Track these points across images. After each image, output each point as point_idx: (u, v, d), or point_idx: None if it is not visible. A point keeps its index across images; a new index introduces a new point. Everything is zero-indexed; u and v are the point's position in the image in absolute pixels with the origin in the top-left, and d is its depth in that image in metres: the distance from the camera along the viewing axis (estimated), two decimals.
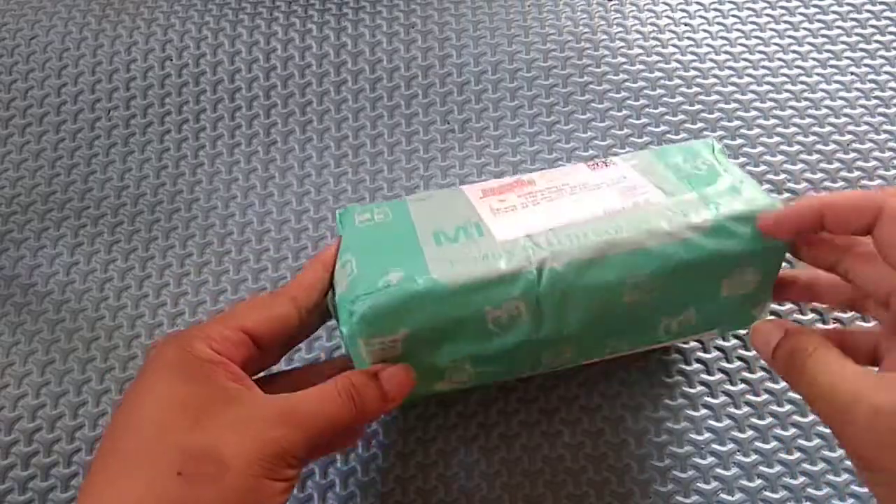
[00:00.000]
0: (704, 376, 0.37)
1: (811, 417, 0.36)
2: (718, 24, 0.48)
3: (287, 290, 0.31)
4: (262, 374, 0.31)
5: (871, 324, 0.38)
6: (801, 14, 0.48)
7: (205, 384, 0.27)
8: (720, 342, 0.38)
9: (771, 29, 0.48)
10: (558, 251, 0.28)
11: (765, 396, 0.36)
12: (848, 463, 0.35)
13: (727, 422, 0.36)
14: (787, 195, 0.42)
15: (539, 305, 0.28)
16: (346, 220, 0.33)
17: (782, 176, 0.43)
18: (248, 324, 0.29)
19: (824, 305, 0.38)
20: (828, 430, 0.35)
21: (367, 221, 0.32)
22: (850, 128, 0.44)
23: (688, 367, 0.37)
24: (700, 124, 0.44)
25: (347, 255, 0.30)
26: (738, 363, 0.37)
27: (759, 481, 0.35)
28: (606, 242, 0.28)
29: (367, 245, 0.31)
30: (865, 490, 0.34)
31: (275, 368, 0.33)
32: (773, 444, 0.35)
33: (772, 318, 0.29)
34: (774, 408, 0.36)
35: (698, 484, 0.35)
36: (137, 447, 0.25)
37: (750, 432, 0.36)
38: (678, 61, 0.46)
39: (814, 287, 0.31)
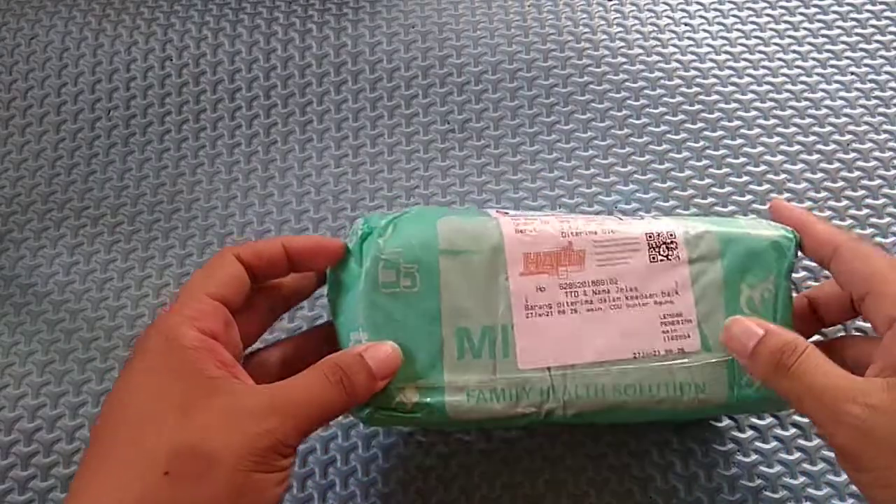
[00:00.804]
0: None
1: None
2: (718, 23, 0.48)
3: (229, 249, 0.29)
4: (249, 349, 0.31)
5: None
6: (801, 14, 0.48)
7: (190, 375, 0.25)
8: None
9: (771, 29, 0.48)
10: (571, 400, 0.29)
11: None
12: None
13: (727, 421, 0.36)
14: (787, 195, 0.42)
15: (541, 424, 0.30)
16: (367, 251, 0.29)
17: (782, 176, 0.43)
18: (211, 289, 0.28)
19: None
20: None
21: (391, 286, 0.29)
22: (851, 128, 0.44)
23: None
24: (700, 124, 0.44)
25: (360, 334, 0.29)
26: None
27: (758, 481, 0.35)
28: (622, 402, 0.29)
29: (385, 329, 0.29)
30: None
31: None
32: (773, 444, 0.35)
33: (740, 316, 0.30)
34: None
35: (698, 483, 0.35)
36: (124, 447, 0.25)
37: (750, 432, 0.36)
38: (678, 61, 0.46)
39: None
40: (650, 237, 0.30)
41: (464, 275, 0.29)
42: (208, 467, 0.24)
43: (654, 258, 0.30)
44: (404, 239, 0.29)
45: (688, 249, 0.30)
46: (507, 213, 0.31)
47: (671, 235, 0.30)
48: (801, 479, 0.35)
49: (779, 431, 0.36)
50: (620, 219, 0.32)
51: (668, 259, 0.30)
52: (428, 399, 0.28)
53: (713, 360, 0.30)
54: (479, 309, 0.29)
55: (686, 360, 0.29)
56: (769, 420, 0.36)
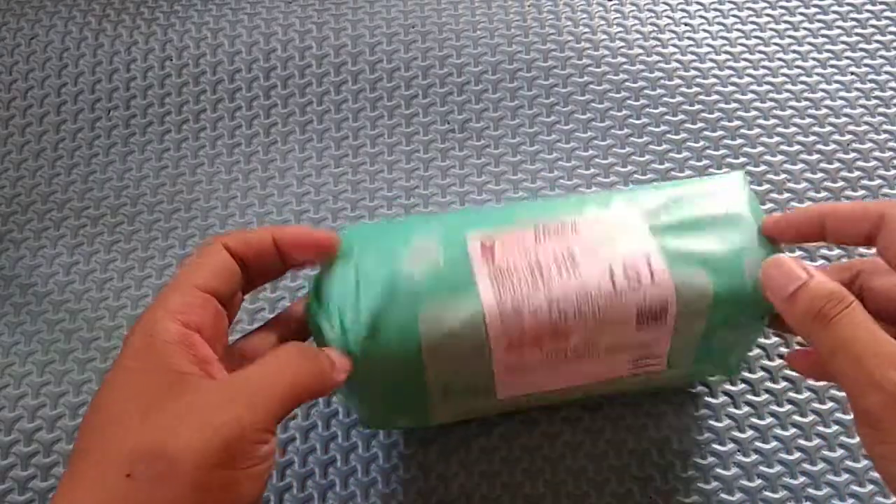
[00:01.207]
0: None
1: (811, 417, 0.36)
2: (718, 23, 0.48)
3: (218, 239, 0.28)
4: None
5: None
6: (801, 14, 0.48)
7: (160, 371, 0.24)
8: None
9: (771, 29, 0.48)
10: (540, 400, 0.33)
11: (765, 396, 0.36)
12: (849, 463, 0.35)
13: (727, 421, 0.36)
14: (787, 195, 0.42)
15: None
16: (338, 339, 0.29)
17: (782, 176, 0.43)
18: (200, 281, 0.27)
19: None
20: (829, 430, 0.35)
21: (373, 367, 0.29)
22: (851, 127, 0.44)
23: None
24: (700, 124, 0.44)
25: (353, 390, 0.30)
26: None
27: (758, 481, 0.35)
28: (585, 395, 0.34)
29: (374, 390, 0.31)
30: (866, 490, 0.34)
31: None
32: (773, 444, 0.35)
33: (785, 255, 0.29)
34: (774, 407, 0.36)
35: (698, 484, 0.35)
36: (91, 446, 0.24)
37: (750, 432, 0.36)
38: (678, 61, 0.46)
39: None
40: (640, 311, 0.29)
41: (448, 361, 0.29)
42: (169, 468, 0.22)
43: (641, 326, 0.29)
44: (383, 334, 0.28)
45: (678, 305, 0.29)
46: (492, 257, 0.29)
47: (664, 304, 0.29)
48: (802, 479, 0.35)
49: (779, 431, 0.36)
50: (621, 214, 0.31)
51: (655, 323, 0.29)
52: (413, 423, 0.35)
53: (675, 372, 0.32)
54: (465, 376, 0.30)
55: (649, 378, 0.32)
56: (769, 420, 0.36)
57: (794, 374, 0.37)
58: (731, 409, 0.36)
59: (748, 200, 0.31)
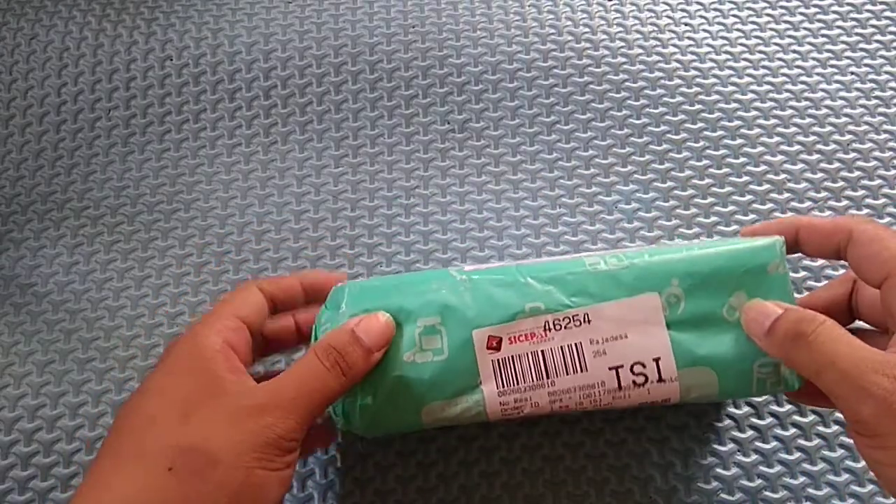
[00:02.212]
0: None
1: (811, 417, 0.36)
2: (719, 23, 0.48)
3: (254, 282, 0.32)
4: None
5: None
6: (801, 14, 0.48)
7: (201, 375, 0.27)
8: None
9: (771, 29, 0.48)
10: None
11: (765, 396, 0.36)
12: (850, 463, 0.35)
13: (727, 422, 0.36)
14: (787, 195, 0.42)
15: None
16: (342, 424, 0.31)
17: (782, 176, 0.42)
18: (238, 311, 0.30)
19: None
20: (829, 430, 0.35)
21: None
22: (851, 127, 0.44)
23: None
24: (700, 124, 0.44)
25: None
26: None
27: (759, 481, 0.35)
28: None
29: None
30: (866, 490, 0.34)
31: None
32: (773, 444, 0.35)
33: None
34: (774, 408, 0.36)
35: (698, 483, 0.35)
36: (130, 443, 0.26)
37: (750, 432, 0.36)
38: (678, 61, 0.46)
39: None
40: (643, 403, 0.29)
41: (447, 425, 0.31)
42: (210, 465, 0.24)
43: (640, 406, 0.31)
44: (383, 426, 0.30)
45: (681, 398, 0.29)
46: (498, 348, 0.29)
47: (666, 398, 0.29)
48: (802, 479, 0.35)
49: (779, 431, 0.36)
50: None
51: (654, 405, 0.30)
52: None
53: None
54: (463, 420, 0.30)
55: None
56: (769, 420, 0.36)
57: None
58: (732, 409, 0.36)
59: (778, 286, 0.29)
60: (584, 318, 0.29)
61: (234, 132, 0.46)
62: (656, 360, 0.28)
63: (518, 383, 0.29)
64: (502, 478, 0.35)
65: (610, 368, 0.28)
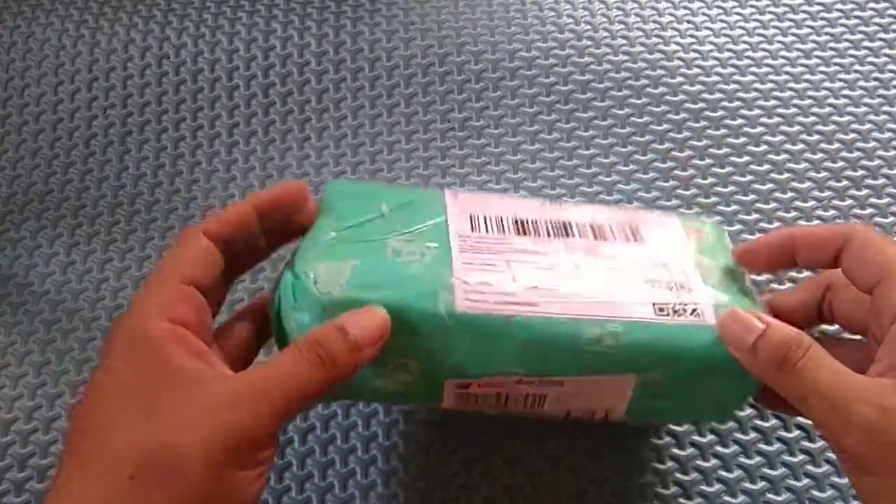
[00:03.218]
0: None
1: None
2: (721, 21, 0.48)
3: (195, 226, 0.28)
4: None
5: None
6: (804, 11, 0.48)
7: (155, 368, 0.24)
8: None
9: (774, 26, 0.47)
10: None
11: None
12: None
13: (730, 424, 0.36)
14: (791, 194, 0.42)
15: None
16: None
17: (786, 175, 0.42)
18: (180, 273, 0.26)
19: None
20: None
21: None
22: (855, 126, 0.43)
23: None
24: (703, 122, 0.44)
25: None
26: None
27: (762, 483, 0.34)
28: None
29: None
30: None
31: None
32: (777, 446, 0.35)
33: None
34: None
35: (701, 486, 0.34)
36: (89, 448, 0.23)
37: (753, 434, 0.35)
38: (681, 59, 0.46)
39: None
40: None
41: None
42: (175, 468, 0.22)
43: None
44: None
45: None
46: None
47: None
48: (805, 481, 0.34)
49: (782, 433, 0.35)
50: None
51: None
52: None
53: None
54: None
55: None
56: (773, 422, 0.36)
57: None
58: (734, 411, 0.36)
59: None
60: (559, 383, 0.28)
61: (232, 130, 0.45)
62: (607, 412, 0.29)
63: (475, 403, 0.29)
64: (504, 479, 0.35)
65: (563, 411, 0.29)
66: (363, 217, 0.29)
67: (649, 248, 0.30)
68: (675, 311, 0.27)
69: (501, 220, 0.29)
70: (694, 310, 0.27)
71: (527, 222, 0.30)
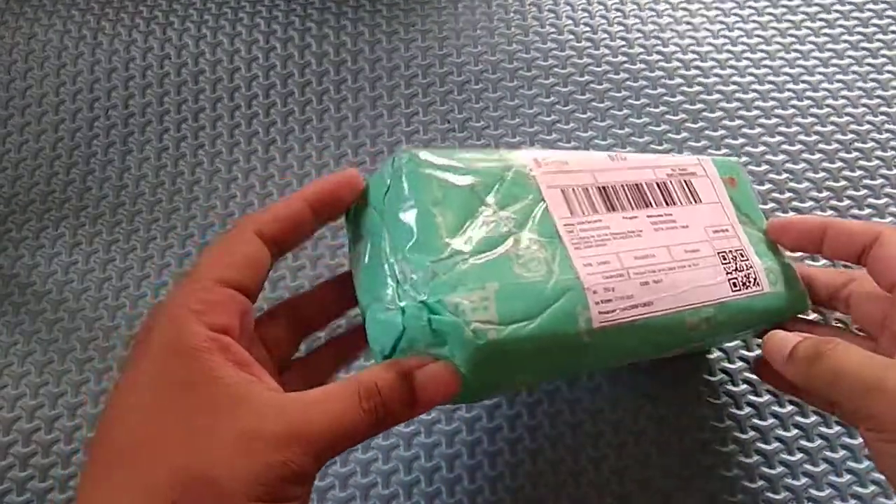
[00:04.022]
0: (706, 377, 0.37)
1: (812, 419, 0.36)
2: (720, 22, 0.48)
3: (249, 223, 0.25)
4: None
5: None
6: (802, 13, 0.48)
7: (199, 384, 0.22)
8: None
9: (773, 27, 0.47)
10: None
11: (767, 397, 0.36)
12: (851, 464, 0.35)
13: (728, 422, 0.36)
14: (789, 194, 0.42)
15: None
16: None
17: (784, 175, 0.42)
18: (226, 274, 0.24)
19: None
20: (831, 431, 0.35)
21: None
22: (853, 126, 0.44)
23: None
24: (701, 123, 0.44)
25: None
26: (739, 363, 0.37)
27: (760, 482, 0.34)
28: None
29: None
30: (867, 490, 0.34)
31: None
32: (775, 445, 0.35)
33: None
34: (776, 408, 0.36)
35: (700, 483, 0.34)
36: (125, 470, 0.21)
37: (752, 433, 0.36)
38: (679, 60, 0.46)
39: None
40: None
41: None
42: (217, 498, 0.21)
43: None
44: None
45: None
46: None
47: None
48: (804, 480, 0.34)
49: (781, 433, 0.35)
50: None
51: None
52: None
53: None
54: None
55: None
56: (771, 421, 0.36)
57: None
58: (734, 410, 0.36)
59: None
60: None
61: (233, 130, 0.46)
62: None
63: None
64: (505, 481, 0.35)
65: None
66: (469, 210, 0.26)
67: (708, 211, 0.32)
68: (745, 284, 0.30)
69: (588, 192, 0.29)
70: (755, 279, 0.31)
71: (608, 191, 0.30)
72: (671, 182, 0.32)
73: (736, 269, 0.31)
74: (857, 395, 0.25)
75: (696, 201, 0.32)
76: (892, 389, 0.24)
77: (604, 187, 0.30)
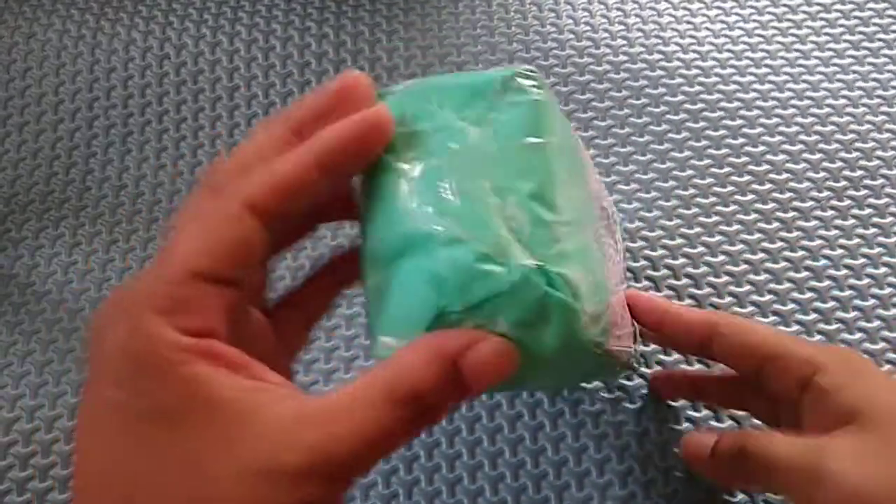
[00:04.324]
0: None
1: None
2: (721, 21, 0.48)
3: (235, 192, 0.18)
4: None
5: None
6: (803, 12, 0.48)
7: (187, 407, 0.17)
8: None
9: (773, 26, 0.47)
10: None
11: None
12: None
13: (727, 423, 0.36)
14: (789, 194, 0.42)
15: None
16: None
17: (784, 175, 0.42)
18: (203, 263, 0.18)
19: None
20: None
21: None
22: (853, 126, 0.44)
23: (689, 368, 0.37)
24: (702, 122, 0.44)
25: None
26: None
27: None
28: None
29: None
30: None
31: None
32: None
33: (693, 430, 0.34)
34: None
35: (699, 483, 0.34)
36: None
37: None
38: (680, 59, 0.46)
39: (699, 385, 0.34)
40: None
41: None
42: None
43: None
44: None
45: None
46: None
47: None
48: None
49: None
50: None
51: None
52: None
53: None
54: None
55: None
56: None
57: None
58: (734, 411, 0.36)
59: None
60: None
61: (232, 130, 0.46)
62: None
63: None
64: (506, 480, 0.35)
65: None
66: (571, 176, 0.21)
67: (618, 257, 0.30)
68: (635, 339, 0.29)
69: (604, 207, 0.27)
70: (635, 337, 0.29)
71: (607, 211, 0.28)
72: (603, 198, 0.30)
73: (633, 324, 0.30)
74: (800, 487, 0.24)
75: (614, 237, 0.30)
76: (835, 481, 0.23)
77: (604, 207, 0.28)
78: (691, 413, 0.36)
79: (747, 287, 0.39)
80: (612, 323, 0.22)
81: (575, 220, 0.20)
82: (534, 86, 0.20)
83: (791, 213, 0.41)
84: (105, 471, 0.17)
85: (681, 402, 0.36)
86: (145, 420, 0.17)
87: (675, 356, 0.37)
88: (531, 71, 0.20)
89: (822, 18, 0.48)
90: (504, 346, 0.18)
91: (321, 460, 0.16)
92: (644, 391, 0.37)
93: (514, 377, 0.19)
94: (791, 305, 0.38)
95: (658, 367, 0.37)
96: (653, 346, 0.37)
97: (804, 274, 0.40)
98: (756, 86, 0.45)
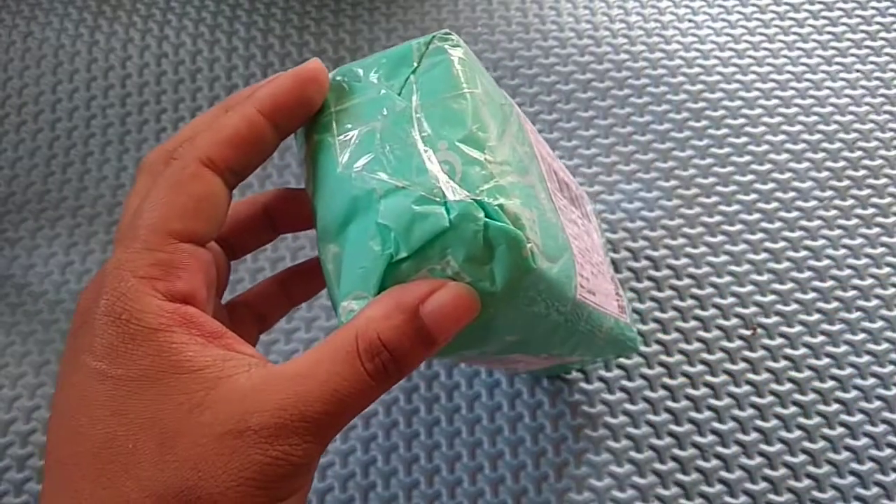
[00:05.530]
0: (708, 378, 0.37)
1: (814, 420, 0.35)
2: (723, 20, 0.47)
3: (190, 150, 0.19)
4: None
5: None
6: (805, 11, 0.48)
7: (167, 374, 0.17)
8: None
9: (776, 25, 0.47)
10: None
11: (769, 398, 0.36)
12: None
13: (730, 424, 0.36)
14: (792, 193, 0.41)
15: None
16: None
17: (787, 174, 0.42)
18: (177, 225, 0.19)
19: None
20: (877, 430, 0.35)
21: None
22: (856, 126, 0.43)
23: (692, 369, 0.37)
24: (704, 121, 0.44)
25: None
26: (743, 364, 0.37)
27: (763, 484, 0.34)
28: None
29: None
30: (870, 493, 0.34)
31: None
32: (779, 446, 0.35)
33: None
34: (778, 410, 0.36)
35: (702, 487, 0.34)
36: (90, 484, 0.17)
37: (755, 434, 0.35)
38: (682, 58, 0.46)
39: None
40: None
41: None
42: None
43: None
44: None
45: None
46: None
47: None
48: (806, 482, 0.34)
49: (784, 434, 0.35)
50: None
51: None
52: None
53: None
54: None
55: None
56: (774, 422, 0.35)
57: (798, 375, 0.36)
58: (735, 412, 0.36)
59: None
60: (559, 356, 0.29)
61: None
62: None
63: None
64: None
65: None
66: (501, 126, 0.21)
67: (595, 233, 0.31)
68: (622, 310, 0.31)
69: (552, 169, 0.26)
70: (625, 310, 0.31)
71: (559, 176, 0.27)
72: (581, 193, 0.31)
73: (617, 295, 0.30)
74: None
75: (589, 220, 0.31)
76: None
77: (556, 171, 0.27)
78: (693, 415, 0.36)
79: (750, 287, 0.39)
80: (579, 274, 0.23)
81: (513, 164, 0.20)
82: (453, 45, 0.21)
83: (794, 213, 0.41)
84: (79, 431, 0.18)
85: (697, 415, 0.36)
86: (122, 386, 0.17)
87: (675, 335, 0.37)
88: (447, 33, 0.21)
89: (824, 16, 0.47)
90: (461, 288, 0.18)
91: (292, 417, 0.17)
92: (642, 386, 0.36)
93: (484, 330, 0.20)
94: (794, 306, 0.38)
95: (656, 346, 0.37)
96: (651, 325, 0.37)
97: (807, 274, 0.39)
98: (758, 84, 0.45)
